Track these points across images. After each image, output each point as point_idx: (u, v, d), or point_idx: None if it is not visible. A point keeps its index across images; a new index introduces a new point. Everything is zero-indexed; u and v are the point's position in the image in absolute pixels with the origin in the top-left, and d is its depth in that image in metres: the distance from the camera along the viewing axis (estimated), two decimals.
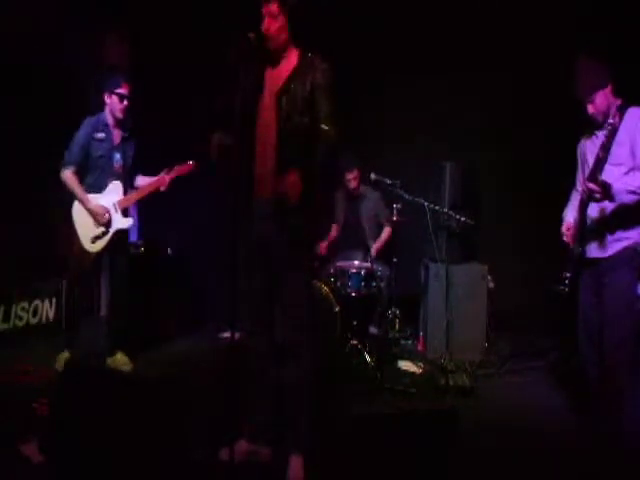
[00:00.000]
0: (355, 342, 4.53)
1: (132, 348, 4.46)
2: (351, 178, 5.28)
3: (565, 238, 3.35)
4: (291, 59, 3.00)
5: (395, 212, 4.81)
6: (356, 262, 4.80)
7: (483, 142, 5.82)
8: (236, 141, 2.86)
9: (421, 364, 4.68)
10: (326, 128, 2.88)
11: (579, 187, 3.40)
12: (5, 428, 3.10)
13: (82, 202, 4.17)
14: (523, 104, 5.62)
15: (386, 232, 5.29)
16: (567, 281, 3.30)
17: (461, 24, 5.77)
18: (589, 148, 3.26)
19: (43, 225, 5.60)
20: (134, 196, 4.33)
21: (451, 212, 4.92)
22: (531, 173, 5.67)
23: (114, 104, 4.17)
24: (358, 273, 4.64)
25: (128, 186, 4.35)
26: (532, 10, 5.54)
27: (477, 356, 4.88)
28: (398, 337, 5.17)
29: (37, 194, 5.44)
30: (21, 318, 5.16)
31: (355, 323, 4.57)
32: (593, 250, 3.18)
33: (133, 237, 6.33)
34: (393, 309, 5.11)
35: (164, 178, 4.27)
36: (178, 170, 4.30)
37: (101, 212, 4.17)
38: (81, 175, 4.21)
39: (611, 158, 3.07)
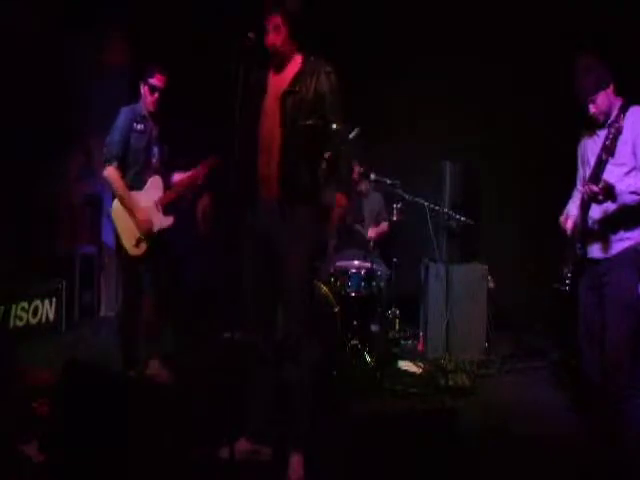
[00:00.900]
0: (355, 342, 4.53)
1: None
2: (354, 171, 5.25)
3: (562, 225, 3.34)
4: (295, 63, 3.03)
5: (395, 212, 4.81)
6: (356, 262, 4.80)
7: (483, 142, 5.82)
8: (238, 142, 2.87)
9: (421, 364, 4.68)
10: (336, 127, 2.92)
11: (580, 187, 3.39)
12: (5, 428, 3.10)
13: (123, 200, 3.86)
14: (523, 104, 5.62)
15: (383, 225, 5.27)
16: (568, 281, 3.29)
17: (461, 23, 5.77)
18: (590, 148, 3.24)
19: (43, 225, 5.61)
20: (174, 192, 4.03)
21: (451, 212, 4.92)
22: (531, 173, 5.67)
23: (145, 95, 3.92)
24: (358, 273, 4.64)
25: (166, 180, 4.08)
26: (533, 11, 5.54)
27: (477, 356, 4.88)
28: (398, 337, 5.16)
29: (37, 194, 5.45)
30: (21, 318, 5.16)
31: (355, 323, 4.57)
32: (595, 250, 3.16)
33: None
34: (393, 309, 5.10)
35: (198, 172, 3.97)
36: (208, 164, 3.99)
37: (144, 222, 3.89)
38: (122, 170, 3.89)
39: (613, 158, 3.05)
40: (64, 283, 5.58)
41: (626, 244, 3.08)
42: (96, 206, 6.19)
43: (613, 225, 3.10)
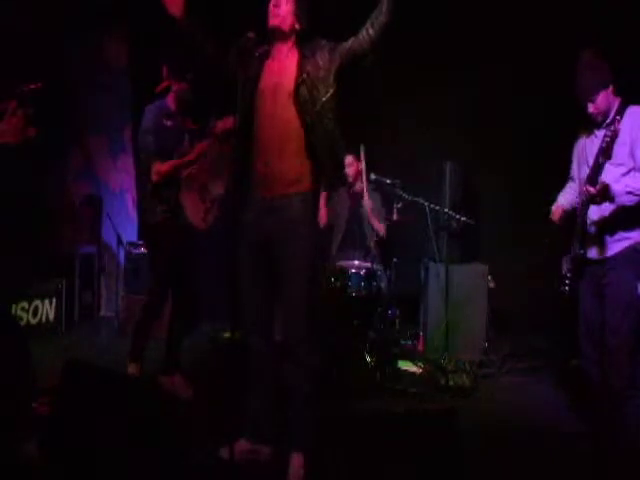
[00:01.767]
0: (355, 342, 4.53)
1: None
2: (347, 163, 5.24)
3: (552, 216, 3.37)
4: (293, 53, 3.00)
5: (395, 212, 4.81)
6: (356, 262, 4.80)
7: (483, 142, 5.82)
8: (235, 140, 2.87)
9: (421, 364, 4.68)
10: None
11: (573, 185, 3.41)
12: (5, 428, 3.10)
13: (184, 164, 3.73)
14: (523, 104, 5.62)
15: (381, 227, 5.26)
16: (567, 281, 3.29)
17: (461, 23, 5.77)
18: (588, 147, 3.23)
19: (43, 225, 5.60)
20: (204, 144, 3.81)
21: (451, 212, 4.92)
22: (531, 173, 5.66)
23: (181, 95, 3.82)
24: (358, 273, 4.64)
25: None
26: (533, 10, 5.54)
27: (477, 356, 4.88)
28: (398, 337, 5.16)
29: (37, 194, 5.45)
30: (21, 318, 5.17)
31: (355, 323, 4.57)
32: (594, 251, 3.16)
33: (133, 237, 6.34)
34: (393, 309, 5.10)
35: (221, 125, 3.73)
36: (222, 124, 3.75)
37: (199, 149, 3.76)
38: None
39: (611, 160, 3.05)
40: (64, 283, 5.58)
41: (625, 244, 3.08)
42: (96, 206, 6.19)
43: (612, 226, 3.10)
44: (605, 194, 2.94)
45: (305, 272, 2.94)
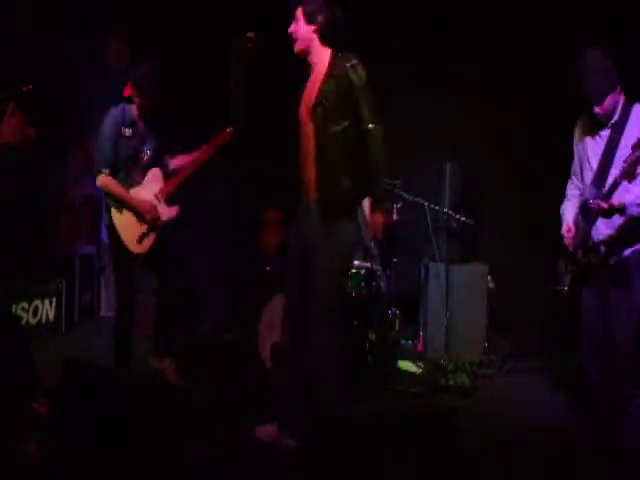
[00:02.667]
0: (355, 342, 4.52)
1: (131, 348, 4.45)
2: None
3: (566, 241, 3.23)
4: (321, 65, 3.11)
5: (395, 212, 4.80)
6: (356, 262, 4.80)
7: (483, 142, 5.81)
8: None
9: (421, 364, 4.68)
10: (372, 127, 3.03)
11: (575, 181, 3.30)
12: (5, 428, 3.10)
13: (125, 201, 3.78)
14: (523, 104, 5.62)
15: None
16: (567, 282, 3.23)
17: (462, 23, 5.77)
18: (590, 147, 3.14)
19: (43, 225, 5.60)
20: (173, 181, 3.94)
21: (451, 212, 4.92)
22: (531, 173, 5.66)
23: (143, 104, 3.86)
24: (358, 273, 4.63)
25: (164, 172, 4.02)
26: (533, 10, 5.53)
27: (477, 356, 4.87)
28: (398, 337, 5.16)
29: (37, 194, 5.45)
30: (21, 318, 5.16)
31: (355, 323, 4.56)
32: (599, 258, 3.07)
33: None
34: (393, 309, 5.10)
35: (204, 151, 3.87)
36: (217, 140, 3.87)
37: (148, 207, 3.83)
38: (114, 174, 3.81)
39: (617, 161, 2.96)
40: (64, 283, 5.58)
41: (633, 248, 3.01)
42: (96, 206, 6.18)
43: (619, 234, 3.02)
44: (619, 211, 2.90)
45: (327, 283, 3.08)
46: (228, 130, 3.82)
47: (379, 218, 3.12)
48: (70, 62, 5.58)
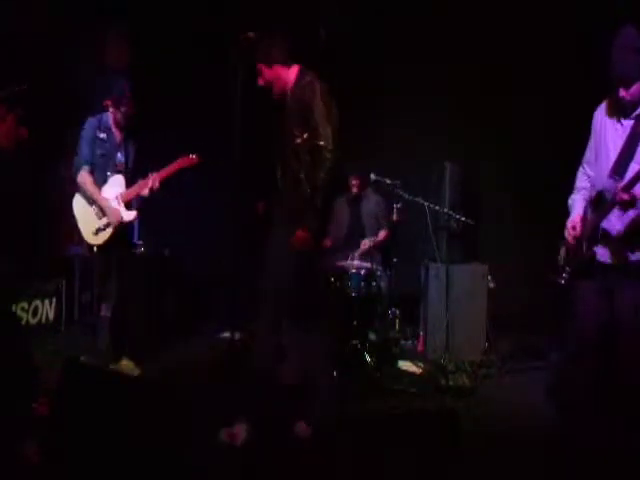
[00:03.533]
0: (355, 342, 4.53)
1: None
2: (355, 184, 5.28)
3: (567, 236, 3.10)
4: (289, 80, 3.26)
5: (395, 212, 4.80)
6: (356, 262, 4.80)
7: (483, 142, 5.82)
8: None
9: (421, 364, 4.68)
10: (322, 143, 3.09)
11: (587, 169, 3.16)
12: (5, 428, 3.10)
13: (98, 201, 4.20)
14: (523, 104, 5.62)
15: (382, 234, 5.27)
16: (565, 274, 3.12)
17: (462, 23, 5.77)
18: (610, 136, 2.98)
19: (43, 225, 5.60)
20: (134, 190, 4.27)
21: (451, 212, 4.92)
22: (531, 173, 5.66)
23: (118, 117, 4.23)
24: (358, 273, 4.64)
25: (130, 182, 4.33)
26: (533, 10, 5.53)
27: (477, 356, 4.87)
28: (398, 337, 5.16)
29: (37, 194, 5.44)
30: (21, 318, 5.16)
31: (355, 323, 4.57)
32: (607, 255, 2.96)
33: (133, 237, 6.34)
34: (393, 309, 5.10)
35: (153, 179, 4.24)
36: (179, 163, 4.27)
37: (116, 214, 4.20)
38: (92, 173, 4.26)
39: (638, 155, 2.83)
40: (64, 283, 5.58)
41: None
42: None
43: (631, 232, 2.89)
44: (635, 203, 2.77)
45: (278, 284, 3.19)
46: (192, 156, 4.28)
47: (299, 233, 3.14)
48: (70, 62, 5.58)
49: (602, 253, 2.97)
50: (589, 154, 3.16)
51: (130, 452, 2.53)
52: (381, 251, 5.29)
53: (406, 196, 4.72)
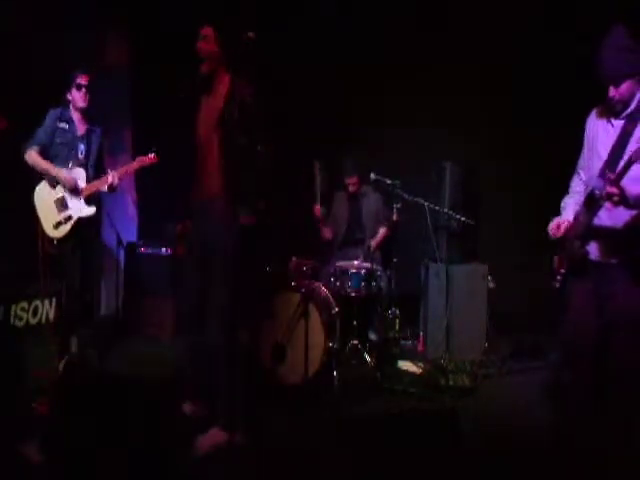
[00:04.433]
0: (355, 342, 4.53)
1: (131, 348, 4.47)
2: (350, 183, 5.28)
3: (551, 232, 3.12)
4: (222, 88, 3.33)
5: (395, 212, 4.80)
6: (356, 262, 4.81)
7: (483, 142, 5.82)
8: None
9: (421, 364, 4.68)
10: (260, 148, 3.26)
11: (582, 175, 3.18)
12: (5, 428, 3.10)
13: (49, 172, 4.24)
14: (523, 104, 5.62)
15: (382, 232, 5.27)
16: (559, 277, 3.13)
17: (462, 22, 5.77)
18: (601, 138, 3.00)
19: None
20: (94, 185, 4.34)
21: (451, 212, 4.92)
22: (531, 173, 5.66)
23: (75, 96, 4.30)
24: (358, 273, 4.64)
25: (92, 176, 4.39)
26: (534, 11, 5.53)
27: (477, 356, 4.87)
28: (398, 337, 5.17)
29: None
30: (21, 318, 5.16)
31: (355, 323, 4.57)
32: (600, 253, 2.96)
33: (133, 237, 6.34)
34: (393, 309, 5.11)
35: (112, 176, 4.31)
36: (138, 162, 4.37)
37: (70, 179, 4.24)
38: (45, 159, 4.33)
39: (628, 154, 2.81)
40: (64, 283, 5.57)
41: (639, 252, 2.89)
42: (96, 206, 6.17)
43: (626, 230, 2.90)
44: (623, 198, 2.76)
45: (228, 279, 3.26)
46: (151, 155, 4.36)
47: (246, 220, 3.35)
48: (70, 62, 5.57)
49: (594, 252, 2.98)
50: (582, 161, 3.19)
51: (130, 452, 2.53)
52: (381, 251, 5.29)
53: (406, 196, 4.72)
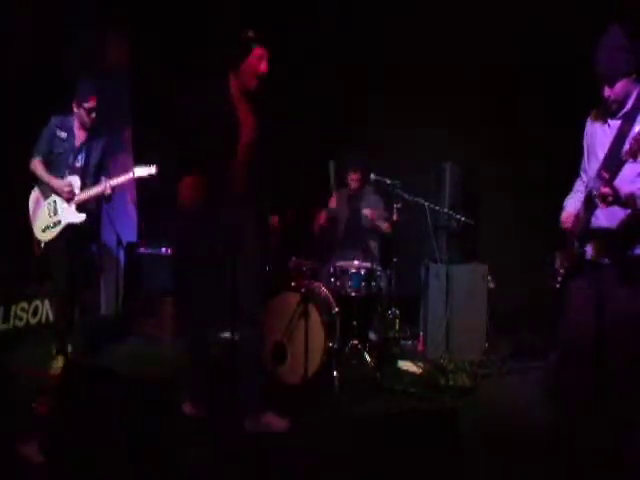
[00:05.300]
0: (355, 342, 4.53)
1: (131, 348, 4.47)
2: (353, 179, 5.28)
3: (564, 225, 3.12)
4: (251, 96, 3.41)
5: (395, 212, 4.81)
6: (356, 262, 4.80)
7: (483, 142, 5.82)
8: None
9: (421, 364, 4.68)
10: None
11: (584, 177, 3.18)
12: (5, 428, 3.10)
13: (49, 183, 4.33)
14: (523, 104, 5.62)
15: (385, 225, 5.25)
16: (559, 277, 3.15)
17: (462, 22, 5.76)
18: (599, 139, 3.01)
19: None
20: (87, 194, 4.38)
21: (451, 212, 4.92)
22: (531, 173, 5.66)
23: (82, 116, 4.35)
24: (358, 273, 4.64)
25: (89, 183, 4.42)
26: (534, 10, 5.52)
27: (477, 356, 4.87)
28: (398, 337, 5.16)
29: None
30: (21, 318, 5.16)
31: (355, 323, 4.57)
32: (597, 254, 2.97)
33: (133, 237, 6.34)
34: (393, 309, 5.11)
35: (105, 186, 4.35)
36: (128, 175, 4.41)
37: (64, 186, 4.30)
38: (46, 168, 4.39)
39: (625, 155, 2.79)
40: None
41: (636, 252, 2.89)
42: (97, 206, 6.18)
43: (621, 230, 2.89)
44: (619, 198, 2.76)
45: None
46: (152, 169, 4.41)
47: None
48: (70, 62, 5.58)
49: (589, 251, 2.99)
50: (583, 163, 3.19)
51: (130, 452, 2.53)
52: (381, 251, 5.29)
53: (406, 196, 4.72)
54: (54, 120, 4.38)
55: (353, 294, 4.59)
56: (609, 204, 2.82)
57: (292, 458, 3.05)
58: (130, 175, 4.42)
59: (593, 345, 3.01)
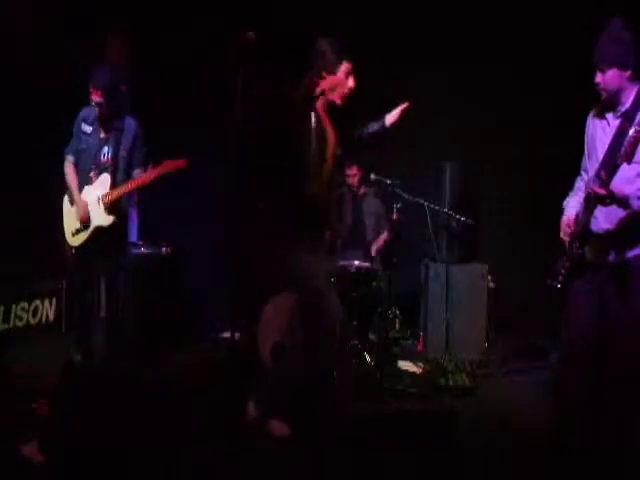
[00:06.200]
0: (355, 342, 4.53)
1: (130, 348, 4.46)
2: (350, 174, 5.28)
3: (562, 235, 3.11)
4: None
5: (395, 212, 4.81)
6: (356, 262, 4.80)
7: (483, 142, 5.82)
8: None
9: (421, 364, 4.68)
10: None
11: (585, 176, 3.18)
12: (5, 428, 3.10)
13: (72, 192, 4.17)
14: (523, 104, 5.62)
15: (384, 236, 5.27)
16: (561, 277, 3.11)
17: (461, 23, 5.77)
18: (599, 136, 3.00)
19: (43, 224, 5.59)
20: (117, 191, 4.04)
21: (451, 212, 4.92)
22: (531, 173, 5.66)
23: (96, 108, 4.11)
24: (358, 273, 4.63)
25: (119, 179, 4.09)
26: (534, 10, 5.53)
27: (477, 356, 4.87)
28: (398, 337, 5.17)
29: (38, 193, 5.44)
30: (21, 318, 5.16)
31: (355, 323, 4.56)
32: (597, 254, 2.98)
33: (133, 237, 6.33)
34: (393, 309, 5.10)
35: (146, 176, 4.03)
36: (165, 167, 4.01)
37: (80, 207, 4.10)
38: (75, 165, 4.22)
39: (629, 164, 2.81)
40: (64, 283, 5.58)
41: (636, 252, 2.90)
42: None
43: (619, 230, 2.90)
44: (616, 199, 2.78)
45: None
46: (180, 161, 4.01)
47: None
48: (70, 62, 5.58)
49: (589, 252, 3.00)
50: (584, 161, 3.19)
51: (130, 452, 2.53)
52: (381, 251, 5.29)
53: (406, 196, 4.72)
54: (81, 113, 4.15)
55: (353, 294, 4.59)
56: (606, 205, 2.84)
57: (292, 458, 3.04)
58: (161, 169, 3.99)
59: (594, 345, 3.01)
